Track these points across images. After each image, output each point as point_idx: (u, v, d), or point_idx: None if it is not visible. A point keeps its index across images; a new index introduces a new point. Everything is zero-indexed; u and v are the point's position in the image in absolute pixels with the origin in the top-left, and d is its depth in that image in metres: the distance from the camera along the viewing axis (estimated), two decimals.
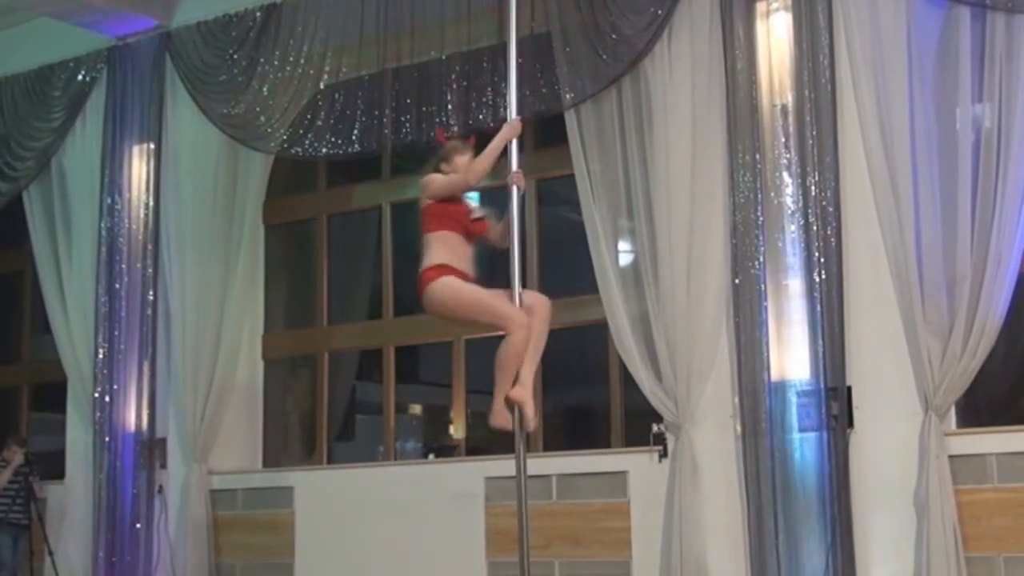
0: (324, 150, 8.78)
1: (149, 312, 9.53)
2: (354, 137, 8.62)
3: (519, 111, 5.76)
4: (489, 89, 8.01)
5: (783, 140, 7.10)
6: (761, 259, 7.06)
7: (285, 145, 8.97)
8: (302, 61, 8.88)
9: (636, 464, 7.54)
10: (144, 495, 9.32)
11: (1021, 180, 6.46)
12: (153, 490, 9.33)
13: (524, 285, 5.65)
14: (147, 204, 9.69)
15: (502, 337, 5.51)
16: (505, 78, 6.05)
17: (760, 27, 7.27)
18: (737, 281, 7.13)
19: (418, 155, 9.23)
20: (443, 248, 5.61)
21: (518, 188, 5.61)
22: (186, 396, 9.23)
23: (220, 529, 9.16)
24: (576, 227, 7.86)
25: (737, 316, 7.11)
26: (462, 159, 5.75)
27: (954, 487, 6.45)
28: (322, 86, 8.82)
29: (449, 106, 8.22)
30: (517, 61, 5.78)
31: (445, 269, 5.56)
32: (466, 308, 5.59)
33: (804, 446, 6.84)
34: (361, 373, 10.25)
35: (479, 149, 5.71)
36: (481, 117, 8.03)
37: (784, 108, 7.12)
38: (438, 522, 8.17)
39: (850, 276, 6.87)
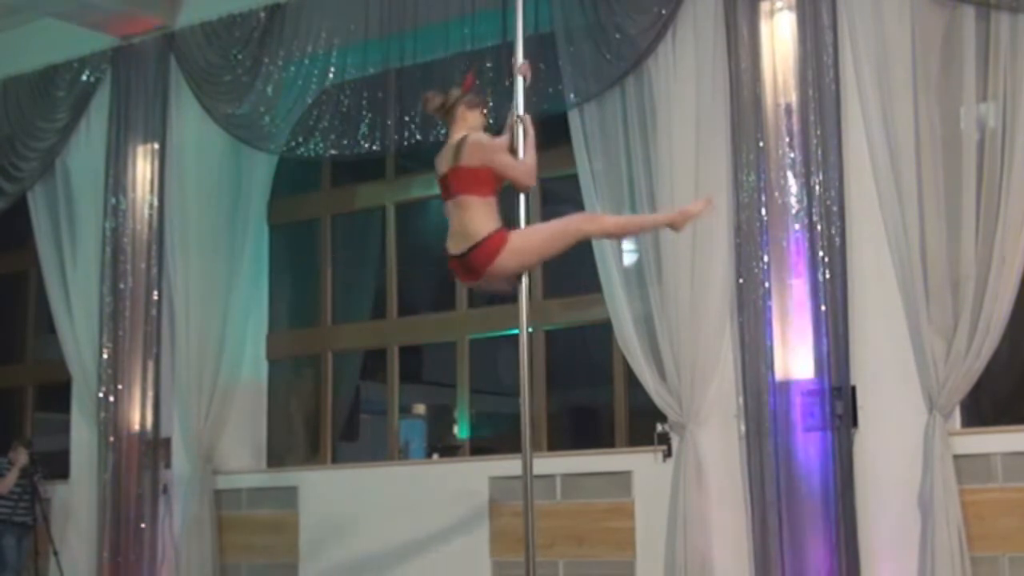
0: (328, 150, 8.78)
1: (153, 312, 9.52)
2: (359, 137, 8.62)
3: (525, 109, 5.88)
4: (493, 89, 8.00)
5: (787, 139, 7.09)
6: (765, 258, 7.05)
7: (290, 145, 8.98)
8: (306, 61, 8.88)
9: (640, 464, 7.53)
10: (148, 495, 9.31)
11: None
12: (157, 490, 9.33)
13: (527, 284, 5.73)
14: (151, 204, 9.69)
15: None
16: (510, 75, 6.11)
17: (764, 26, 7.26)
18: (741, 280, 7.12)
19: (422, 155, 9.23)
20: (495, 212, 5.67)
21: (525, 79, 5.79)
22: (190, 396, 9.23)
23: (224, 529, 9.16)
24: None
25: (741, 315, 7.10)
26: (471, 115, 5.82)
27: (959, 487, 6.43)
28: (326, 86, 8.83)
29: None
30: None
31: (503, 229, 5.64)
32: (543, 242, 5.68)
33: (808, 445, 6.82)
34: (365, 373, 10.25)
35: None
36: (486, 117, 8.01)
37: (788, 107, 7.11)
38: (442, 522, 8.16)
39: (854, 275, 6.85)
